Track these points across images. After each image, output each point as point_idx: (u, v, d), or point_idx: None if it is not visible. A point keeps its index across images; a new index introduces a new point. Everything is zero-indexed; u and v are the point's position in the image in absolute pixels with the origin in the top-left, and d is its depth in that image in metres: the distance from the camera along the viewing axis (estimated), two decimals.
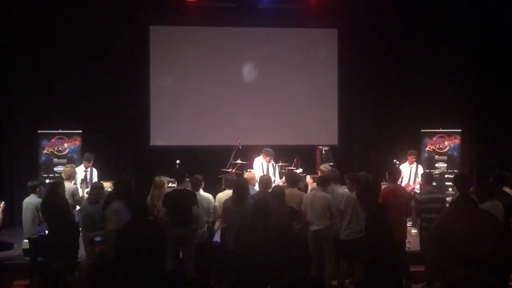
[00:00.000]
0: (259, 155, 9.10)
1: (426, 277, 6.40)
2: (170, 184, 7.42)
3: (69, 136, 9.75)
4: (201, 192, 7.03)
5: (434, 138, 10.68)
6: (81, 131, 9.93)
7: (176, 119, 11.04)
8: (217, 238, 6.92)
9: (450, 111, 11.18)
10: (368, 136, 11.43)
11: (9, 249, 7.43)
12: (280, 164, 9.48)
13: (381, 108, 11.41)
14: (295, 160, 9.43)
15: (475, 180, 9.89)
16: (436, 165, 10.54)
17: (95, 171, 8.86)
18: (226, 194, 6.78)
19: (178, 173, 6.86)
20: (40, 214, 6.78)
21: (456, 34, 11.19)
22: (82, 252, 6.74)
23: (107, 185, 8.23)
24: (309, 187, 7.56)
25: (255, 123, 11.07)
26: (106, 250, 6.15)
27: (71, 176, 7.61)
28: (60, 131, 9.74)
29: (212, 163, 9.93)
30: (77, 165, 8.55)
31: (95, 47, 10.38)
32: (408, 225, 7.34)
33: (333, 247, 6.34)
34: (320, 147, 9.67)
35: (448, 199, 7.89)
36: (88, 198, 6.75)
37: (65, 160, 9.50)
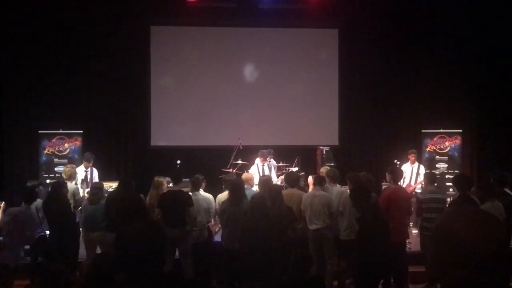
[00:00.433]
0: None
1: (427, 277, 6.39)
2: (170, 185, 7.41)
3: (69, 136, 9.76)
4: (201, 192, 7.03)
5: (435, 139, 10.67)
6: (81, 131, 9.95)
7: (177, 119, 11.04)
8: (217, 238, 6.92)
9: (451, 112, 11.18)
10: (369, 136, 11.43)
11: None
12: (280, 164, 9.48)
13: (382, 109, 11.41)
14: (295, 160, 9.43)
15: (475, 180, 9.88)
16: (437, 165, 10.54)
17: (95, 171, 8.87)
18: (226, 195, 6.78)
19: (174, 173, 6.84)
20: (40, 214, 6.78)
21: (456, 35, 11.18)
22: (82, 252, 6.74)
23: (107, 185, 8.24)
24: (310, 188, 7.55)
25: (255, 123, 11.07)
26: (104, 250, 6.17)
27: (72, 176, 7.61)
28: (60, 131, 9.75)
29: (212, 164, 9.94)
30: (78, 166, 8.55)
31: (96, 47, 10.39)
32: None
33: (334, 247, 6.34)
34: (321, 147, 9.67)
35: (449, 199, 7.88)
36: (88, 198, 6.75)
37: (65, 160, 9.51)
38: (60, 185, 6.73)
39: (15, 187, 9.94)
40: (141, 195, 7.12)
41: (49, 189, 6.96)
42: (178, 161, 9.19)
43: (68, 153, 9.72)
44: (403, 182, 8.92)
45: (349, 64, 11.35)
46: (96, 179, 8.69)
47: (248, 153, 9.49)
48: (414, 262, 6.68)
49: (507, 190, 6.73)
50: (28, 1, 10.15)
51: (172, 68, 11.12)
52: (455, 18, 11.02)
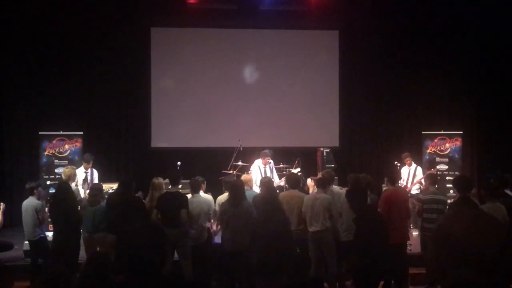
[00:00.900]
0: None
1: (427, 279, 6.38)
2: (170, 187, 7.41)
3: (70, 137, 9.74)
4: (201, 193, 7.01)
5: (435, 140, 10.67)
6: (82, 133, 9.93)
7: (177, 121, 11.04)
8: (217, 240, 6.91)
9: (451, 113, 11.19)
10: (369, 138, 11.43)
11: (9, 250, 7.41)
12: (281, 166, 9.47)
13: (382, 110, 11.42)
14: (296, 162, 9.42)
15: (476, 182, 9.88)
16: (437, 167, 10.52)
17: (95, 172, 8.87)
18: (226, 196, 6.77)
19: (172, 175, 6.83)
20: (40, 215, 6.78)
21: (457, 36, 11.19)
22: (82, 253, 6.73)
23: (107, 187, 8.24)
24: (311, 190, 7.54)
25: (256, 125, 11.07)
26: (100, 251, 6.16)
27: (71, 177, 7.59)
28: (61, 132, 9.74)
29: (213, 165, 9.94)
30: (78, 167, 8.54)
31: (96, 48, 10.40)
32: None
33: (335, 250, 6.32)
34: (321, 149, 9.65)
35: (449, 201, 7.88)
36: (88, 200, 6.74)
37: (66, 162, 9.48)
38: (67, 185, 6.74)
39: (15, 189, 9.93)
40: (139, 194, 7.13)
41: (56, 189, 6.95)
42: (179, 163, 9.17)
43: (69, 154, 9.70)
44: (401, 184, 8.91)
45: (349, 65, 11.36)
46: (96, 180, 8.69)
47: (249, 155, 9.48)
48: (415, 264, 6.67)
49: (507, 191, 6.73)
50: (29, 2, 10.15)
51: (172, 70, 11.13)
52: (456, 19, 11.02)
